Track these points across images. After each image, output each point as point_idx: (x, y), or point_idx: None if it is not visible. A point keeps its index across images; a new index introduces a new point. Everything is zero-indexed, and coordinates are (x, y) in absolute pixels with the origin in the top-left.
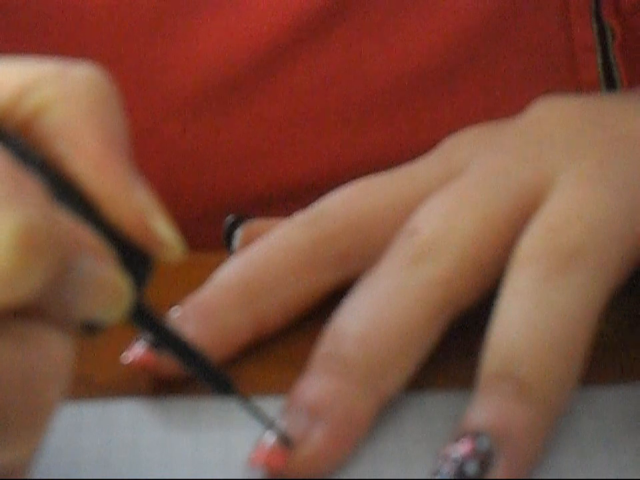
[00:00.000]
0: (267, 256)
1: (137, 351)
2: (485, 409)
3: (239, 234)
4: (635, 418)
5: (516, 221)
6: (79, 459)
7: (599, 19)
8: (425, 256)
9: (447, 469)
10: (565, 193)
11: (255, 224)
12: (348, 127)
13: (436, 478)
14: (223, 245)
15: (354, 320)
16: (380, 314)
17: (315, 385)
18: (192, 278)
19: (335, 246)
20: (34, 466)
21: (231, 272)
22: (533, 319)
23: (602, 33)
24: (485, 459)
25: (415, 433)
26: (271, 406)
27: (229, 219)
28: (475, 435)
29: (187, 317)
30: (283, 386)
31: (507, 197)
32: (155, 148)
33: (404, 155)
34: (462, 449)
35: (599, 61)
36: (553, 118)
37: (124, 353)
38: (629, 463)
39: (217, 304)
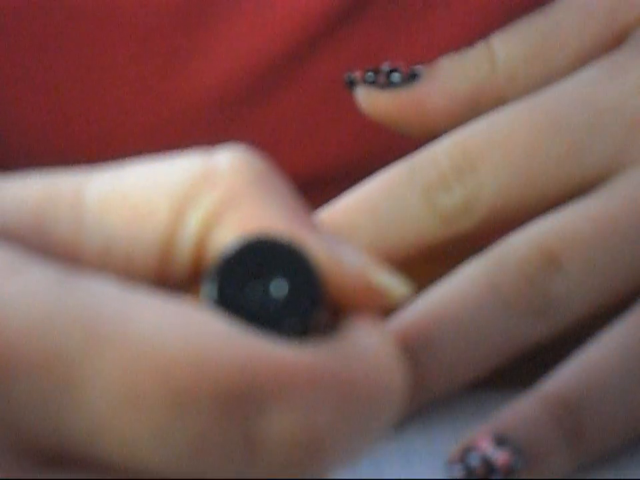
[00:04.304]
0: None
1: None
2: (534, 429)
3: (361, 95)
4: None
5: None
6: None
7: None
8: None
9: (475, 463)
10: None
11: (375, 98)
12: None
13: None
14: None
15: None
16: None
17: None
18: None
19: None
20: None
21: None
22: (635, 377)
23: None
24: (510, 475)
25: (416, 433)
26: None
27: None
28: (516, 451)
29: None
30: None
31: None
32: (183, 143)
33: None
34: (500, 457)
35: None
36: None
37: None
38: (628, 463)
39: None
